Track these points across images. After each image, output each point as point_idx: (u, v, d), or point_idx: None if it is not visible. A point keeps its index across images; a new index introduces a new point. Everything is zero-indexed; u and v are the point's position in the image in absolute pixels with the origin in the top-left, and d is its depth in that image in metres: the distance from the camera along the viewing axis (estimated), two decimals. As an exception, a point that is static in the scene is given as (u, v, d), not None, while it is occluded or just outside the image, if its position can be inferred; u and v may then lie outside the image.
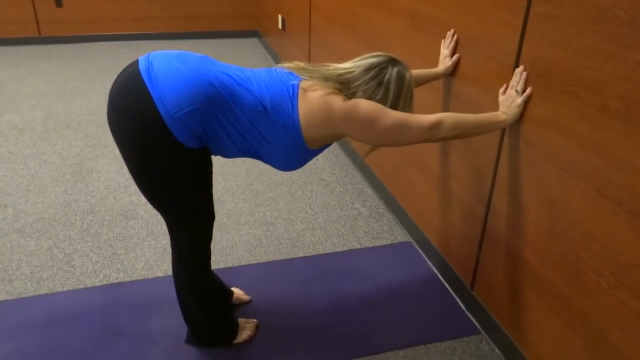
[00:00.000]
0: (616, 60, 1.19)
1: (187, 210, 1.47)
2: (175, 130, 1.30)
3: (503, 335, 1.75)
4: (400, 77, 1.46)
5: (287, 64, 1.48)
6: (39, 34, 5.49)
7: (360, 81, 1.43)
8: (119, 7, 5.55)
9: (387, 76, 1.44)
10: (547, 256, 1.49)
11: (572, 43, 1.32)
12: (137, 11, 5.62)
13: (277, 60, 5.01)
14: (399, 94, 1.46)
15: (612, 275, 1.27)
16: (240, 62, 5.05)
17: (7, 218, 2.47)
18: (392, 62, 1.47)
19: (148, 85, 1.29)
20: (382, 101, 1.43)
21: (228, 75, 1.38)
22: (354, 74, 1.44)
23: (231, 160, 3.11)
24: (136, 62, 1.37)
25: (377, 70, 1.44)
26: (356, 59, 1.50)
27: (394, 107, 1.45)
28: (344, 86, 1.43)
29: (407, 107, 1.49)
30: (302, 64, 1.47)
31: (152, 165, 1.36)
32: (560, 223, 1.43)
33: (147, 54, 1.39)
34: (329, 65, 1.49)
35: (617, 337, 1.29)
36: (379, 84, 1.44)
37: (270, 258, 2.24)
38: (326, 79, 1.42)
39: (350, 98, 1.41)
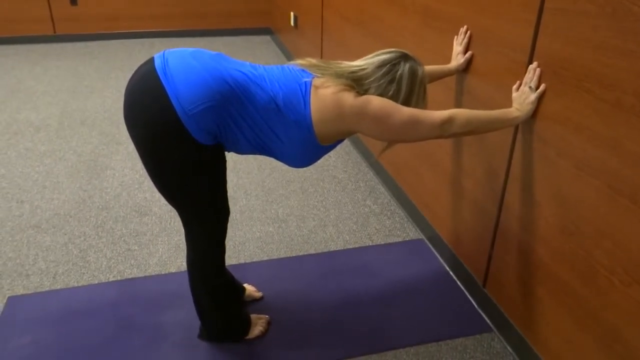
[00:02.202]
0: (633, 56, 1.18)
1: (201, 207, 1.49)
2: (190, 127, 1.32)
3: (515, 333, 1.75)
4: (413, 73, 1.46)
5: (300, 61, 1.49)
6: (54, 32, 5.55)
7: (373, 77, 1.43)
8: (132, 5, 5.60)
9: (399, 72, 1.44)
10: (560, 254, 1.49)
11: (587, 39, 1.30)
12: (150, 9, 5.66)
13: (289, 57, 5.02)
14: (412, 90, 1.46)
15: (626, 273, 1.26)
16: (252, 59, 5.07)
17: (23, 214, 2.51)
18: (405, 57, 1.47)
19: (164, 83, 1.31)
20: (395, 97, 1.44)
21: (242, 72, 1.39)
22: (366, 70, 1.45)
23: (243, 157, 3.12)
24: (152, 60, 1.38)
25: (389, 67, 1.44)
26: (368, 56, 1.50)
27: (407, 102, 1.45)
28: (357, 83, 1.43)
29: (421, 103, 1.49)
30: (314, 61, 1.48)
31: (167, 162, 1.38)
32: (574, 220, 1.42)
33: (162, 52, 1.41)
34: (341, 63, 1.49)
35: (629, 335, 1.28)
36: (391, 80, 1.44)
37: (282, 255, 2.26)
38: (338, 75, 1.43)
39: (362, 95, 1.42)
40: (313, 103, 1.40)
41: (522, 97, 1.53)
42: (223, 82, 1.34)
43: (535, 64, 1.50)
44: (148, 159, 1.40)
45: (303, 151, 1.46)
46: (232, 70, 1.38)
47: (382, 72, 1.44)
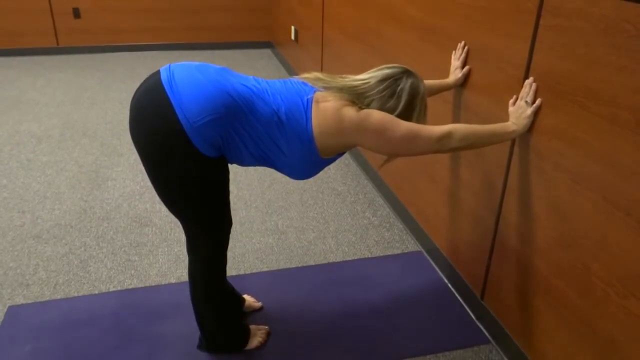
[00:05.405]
0: (626, 72, 1.21)
1: (204, 218, 1.51)
2: (195, 139, 1.34)
3: (513, 345, 1.75)
4: (413, 89, 1.49)
5: (305, 75, 1.51)
6: (57, 44, 5.60)
7: (374, 91, 1.46)
8: (135, 19, 5.66)
9: (400, 87, 1.47)
10: (557, 266, 1.50)
11: (581, 55, 1.33)
12: (153, 22, 5.72)
13: (289, 71, 5.06)
14: (412, 105, 1.49)
15: (622, 286, 1.28)
16: (253, 72, 5.11)
17: (25, 224, 2.52)
18: (407, 73, 1.50)
19: (169, 95, 1.33)
20: (394, 111, 1.46)
21: (246, 86, 1.42)
22: (369, 84, 1.47)
23: (244, 169, 3.14)
24: (158, 73, 1.41)
25: (391, 81, 1.47)
26: (372, 70, 1.53)
27: (407, 117, 1.47)
28: (358, 97, 1.45)
29: (422, 119, 1.52)
30: (319, 75, 1.51)
31: (171, 173, 1.40)
32: (570, 233, 1.43)
33: (168, 65, 1.44)
34: (346, 77, 1.51)
35: (627, 348, 1.29)
36: (392, 94, 1.46)
37: (282, 266, 2.27)
38: (340, 90, 1.45)
39: (363, 109, 1.44)
40: (314, 117, 1.42)
41: (519, 111, 1.56)
42: (227, 96, 1.37)
43: (531, 79, 1.53)
44: (152, 170, 1.42)
45: (304, 163, 1.48)
46: (236, 84, 1.41)
47: (383, 85, 1.47)
